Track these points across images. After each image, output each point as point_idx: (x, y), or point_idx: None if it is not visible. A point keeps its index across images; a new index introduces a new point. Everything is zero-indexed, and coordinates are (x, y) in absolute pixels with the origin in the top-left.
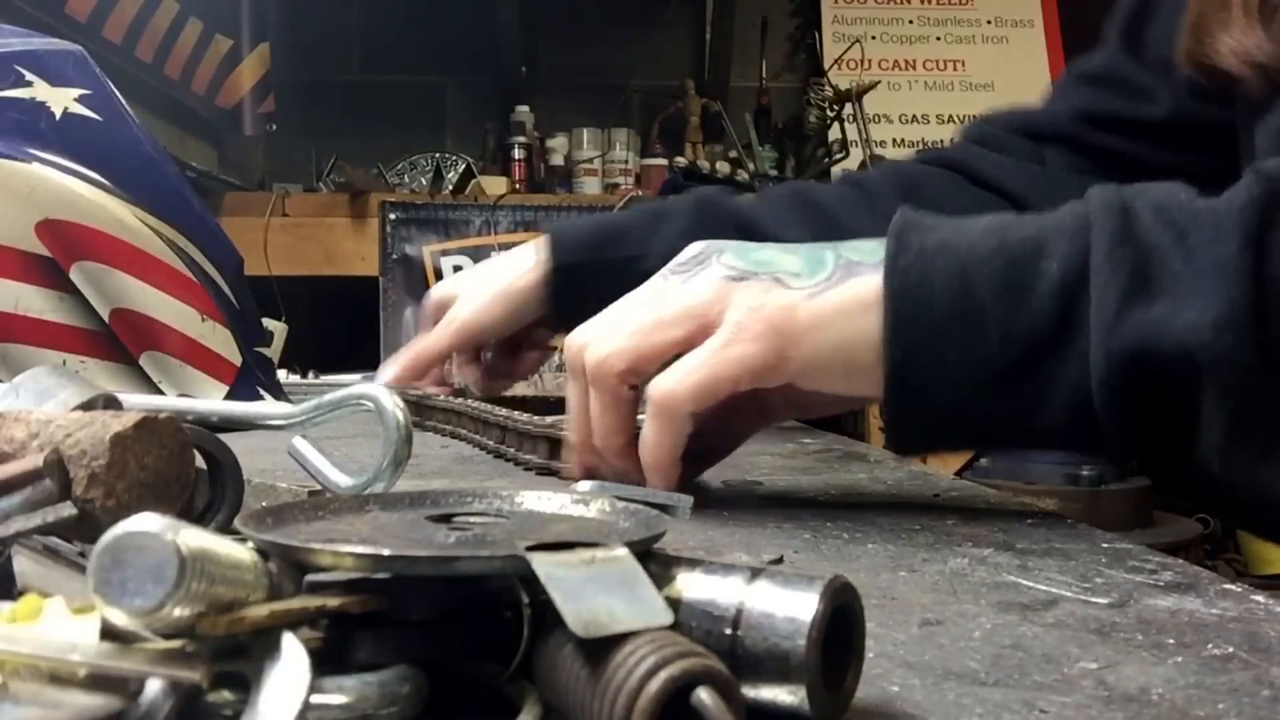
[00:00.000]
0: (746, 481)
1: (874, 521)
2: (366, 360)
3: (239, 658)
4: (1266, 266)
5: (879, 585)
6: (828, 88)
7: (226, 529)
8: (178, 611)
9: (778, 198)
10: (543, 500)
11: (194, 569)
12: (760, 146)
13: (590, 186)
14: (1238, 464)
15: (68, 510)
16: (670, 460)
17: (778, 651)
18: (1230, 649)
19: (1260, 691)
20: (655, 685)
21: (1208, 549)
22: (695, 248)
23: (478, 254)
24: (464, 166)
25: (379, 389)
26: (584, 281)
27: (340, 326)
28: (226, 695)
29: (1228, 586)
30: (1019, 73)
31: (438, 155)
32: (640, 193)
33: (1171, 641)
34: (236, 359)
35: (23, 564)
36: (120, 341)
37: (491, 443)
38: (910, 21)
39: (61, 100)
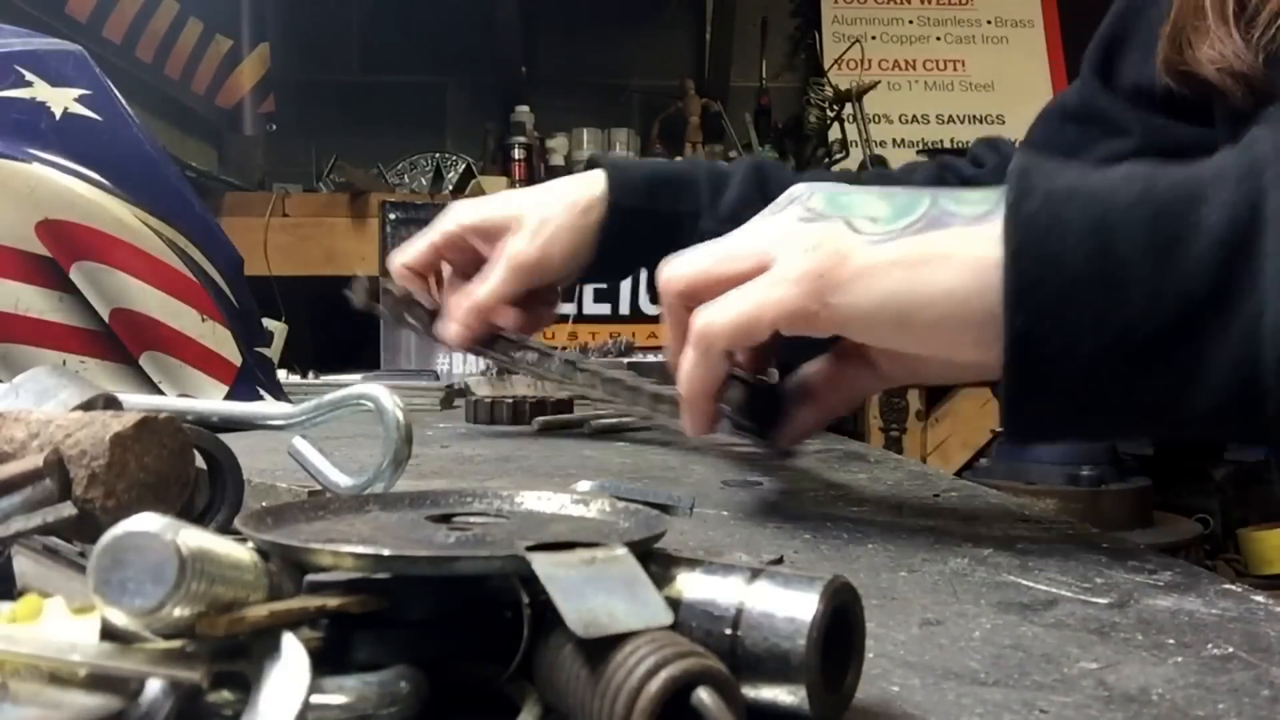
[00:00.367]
0: (746, 481)
1: (874, 521)
2: (366, 360)
3: (239, 658)
4: None
5: (879, 585)
6: (828, 88)
7: (226, 529)
8: (178, 611)
9: (831, 177)
10: (543, 500)
11: (194, 569)
12: (760, 146)
13: None
14: None
15: (68, 510)
16: (703, 394)
17: (778, 651)
18: (1230, 649)
19: (1260, 691)
20: (655, 685)
21: (1208, 549)
22: (797, 188)
23: None
24: (464, 166)
25: (379, 389)
26: (635, 231)
27: (340, 326)
28: (226, 695)
29: (1228, 586)
30: (1019, 73)
31: (438, 155)
32: None
33: (1171, 641)
34: (236, 359)
35: (23, 564)
36: (120, 341)
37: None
38: (910, 21)
39: (61, 100)
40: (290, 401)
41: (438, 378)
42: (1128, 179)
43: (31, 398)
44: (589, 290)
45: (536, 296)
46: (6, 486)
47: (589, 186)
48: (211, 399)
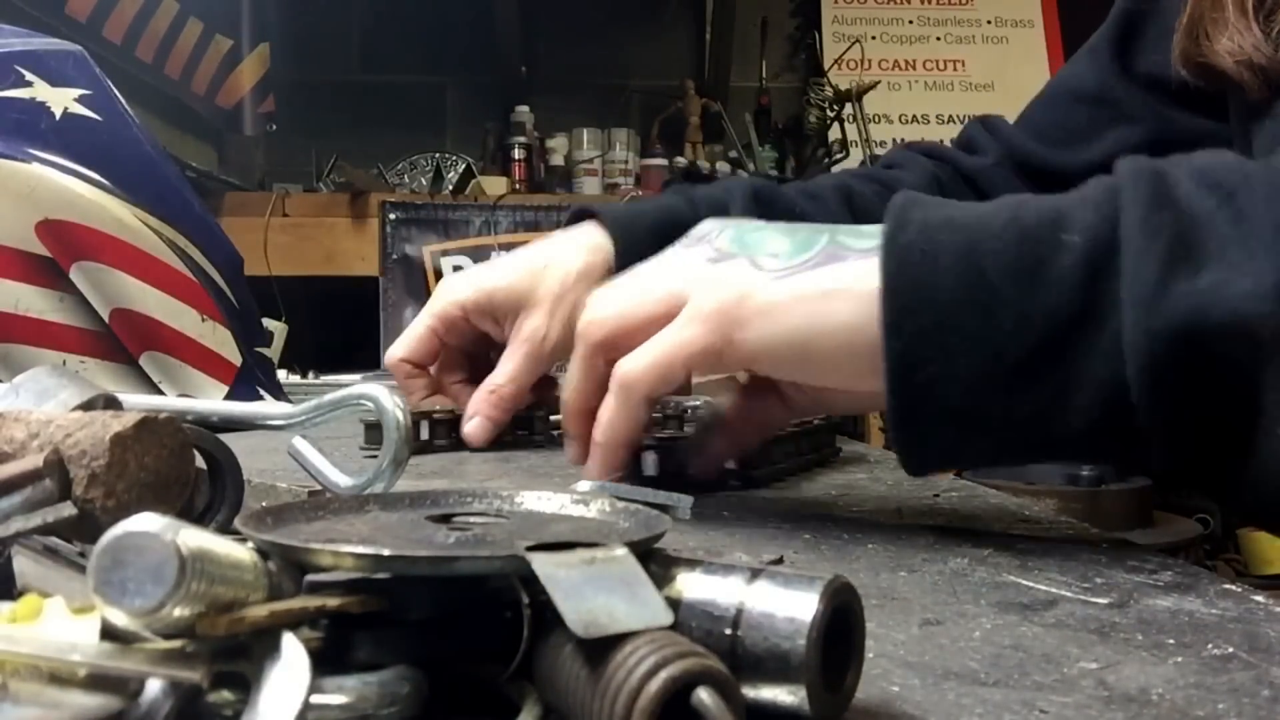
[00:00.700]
0: (746, 482)
1: (874, 521)
2: (366, 360)
3: (239, 658)
4: None
5: (879, 585)
6: (828, 88)
7: (226, 529)
8: (178, 611)
9: (827, 195)
10: (543, 500)
11: (194, 569)
12: (760, 146)
13: (590, 186)
14: None
15: (68, 510)
16: (622, 441)
17: (778, 651)
18: (1230, 649)
19: (1260, 691)
20: (655, 685)
21: (1208, 549)
22: (705, 225)
23: (478, 254)
24: (464, 166)
25: (379, 389)
26: None
27: (340, 326)
28: (226, 695)
29: (1228, 586)
30: (1019, 73)
31: (438, 155)
32: (640, 193)
33: (1171, 641)
34: (236, 359)
35: (23, 564)
36: (120, 341)
37: None
38: (910, 21)
39: (61, 100)
40: (290, 401)
41: None
42: (999, 206)
43: (31, 398)
44: None
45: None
46: (6, 486)
47: (595, 250)
48: (211, 399)
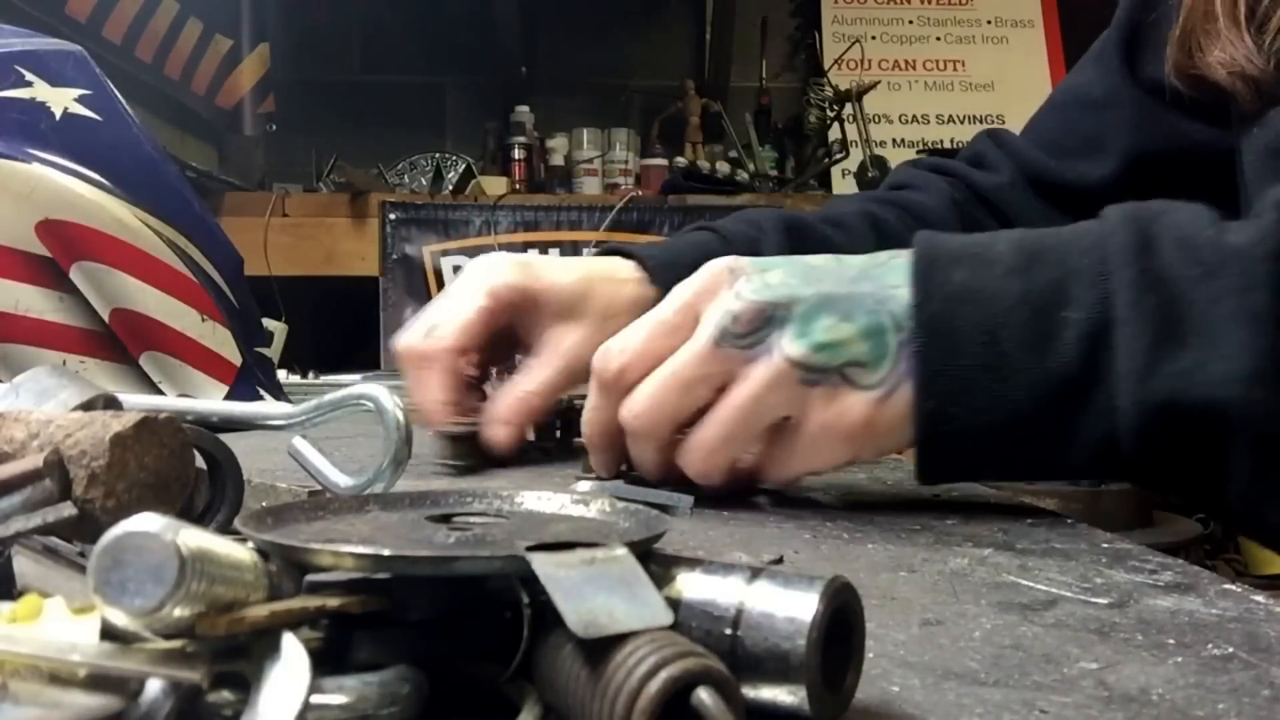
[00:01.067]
0: (757, 484)
1: (874, 521)
2: (366, 360)
3: (239, 658)
4: None
5: (879, 585)
6: (828, 88)
7: (226, 529)
8: (178, 611)
9: (854, 225)
10: (543, 500)
11: (194, 569)
12: (760, 146)
13: (590, 186)
14: (1262, 507)
15: (68, 510)
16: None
17: (778, 651)
18: (1230, 649)
19: (1260, 691)
20: (655, 685)
21: (1208, 549)
22: (746, 307)
23: (478, 254)
24: (464, 166)
25: (379, 389)
26: None
27: (340, 326)
28: (226, 695)
29: (1228, 586)
30: (1019, 73)
31: (438, 155)
32: (640, 193)
33: (1171, 641)
34: (236, 359)
35: (23, 564)
36: (120, 341)
37: None
38: (910, 21)
39: (61, 100)
40: (290, 401)
41: None
42: (1008, 274)
43: (31, 398)
44: None
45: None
46: (6, 486)
47: (643, 283)
48: (211, 399)
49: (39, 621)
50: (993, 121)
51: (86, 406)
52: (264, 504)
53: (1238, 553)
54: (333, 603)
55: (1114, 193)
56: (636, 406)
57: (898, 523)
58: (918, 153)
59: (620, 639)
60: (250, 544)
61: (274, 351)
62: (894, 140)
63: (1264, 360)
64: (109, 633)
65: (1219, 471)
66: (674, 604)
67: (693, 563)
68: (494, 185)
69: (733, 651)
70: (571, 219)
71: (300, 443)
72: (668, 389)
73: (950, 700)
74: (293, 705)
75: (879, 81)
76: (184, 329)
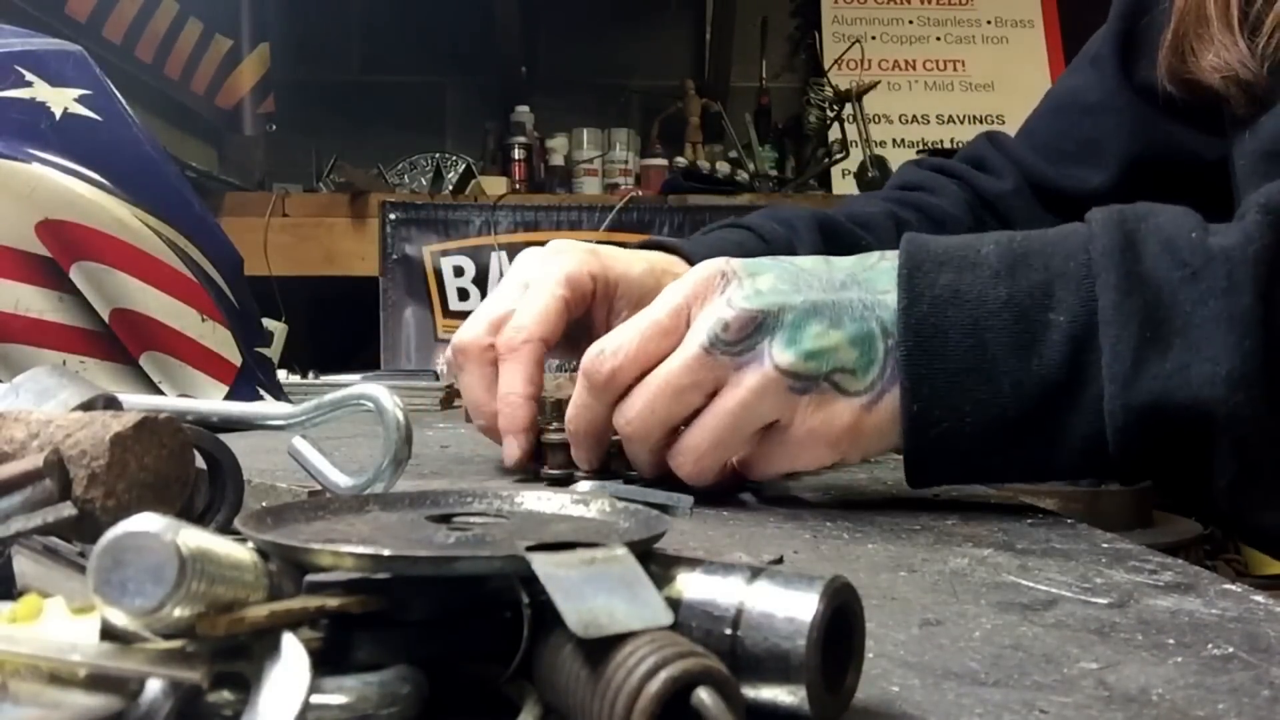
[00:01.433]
0: (746, 481)
1: (874, 521)
2: (366, 360)
3: (239, 658)
4: (1278, 318)
5: (879, 585)
6: (828, 88)
7: (226, 529)
8: (178, 611)
9: (880, 226)
10: (543, 500)
11: (194, 569)
12: (760, 146)
13: (590, 186)
14: (1246, 506)
15: (68, 510)
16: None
17: (778, 651)
18: (1230, 649)
19: (1260, 691)
20: (655, 685)
21: (1208, 549)
22: (737, 316)
23: (478, 254)
24: (464, 167)
25: (379, 389)
26: None
27: (340, 326)
28: (226, 695)
29: (1228, 586)
30: (1019, 73)
31: (438, 155)
32: (640, 193)
33: (1171, 641)
34: (236, 359)
35: (23, 564)
36: (120, 341)
37: None
38: (910, 21)
39: (61, 100)
40: (290, 401)
41: (438, 378)
42: (994, 278)
43: (31, 398)
44: None
45: None
46: (6, 486)
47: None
48: (211, 399)
49: (39, 621)
50: (992, 121)
51: (86, 406)
52: (264, 504)
53: (1238, 553)
54: (333, 603)
55: (1111, 200)
56: (630, 413)
57: (898, 523)
58: (918, 153)
59: (620, 639)
60: (250, 544)
61: (274, 351)
62: (894, 140)
63: (1248, 362)
64: (109, 633)
65: (1204, 472)
66: (674, 604)
67: (693, 563)
68: (494, 185)
69: (733, 651)
70: (571, 219)
71: (300, 443)
72: (660, 396)
73: (950, 700)
74: (293, 705)
75: (879, 81)
76: (184, 329)
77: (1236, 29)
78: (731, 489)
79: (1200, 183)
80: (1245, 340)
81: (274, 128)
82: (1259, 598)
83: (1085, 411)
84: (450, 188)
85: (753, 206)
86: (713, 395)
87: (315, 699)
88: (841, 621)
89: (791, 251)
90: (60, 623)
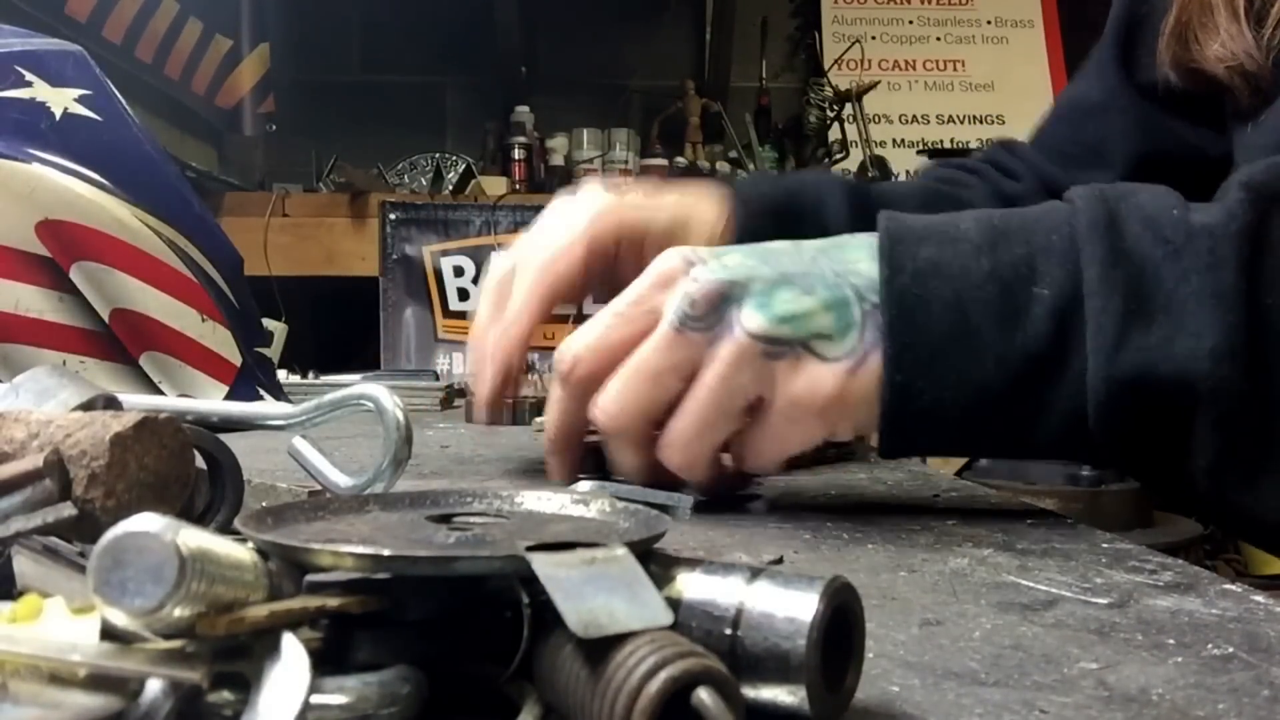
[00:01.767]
0: (746, 481)
1: (874, 521)
2: (366, 360)
3: (239, 658)
4: (1261, 295)
5: (879, 585)
6: (828, 88)
7: (226, 529)
8: (178, 611)
9: (914, 196)
10: (543, 500)
11: (194, 569)
12: (760, 146)
13: None
14: (1226, 485)
15: (68, 510)
16: (645, 470)
17: (778, 651)
18: (1230, 649)
19: (1260, 691)
20: (655, 685)
21: (1208, 549)
22: (702, 289)
23: (478, 254)
24: (464, 167)
25: (379, 389)
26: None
27: (340, 326)
28: (226, 695)
29: (1228, 586)
30: (1019, 73)
31: (438, 155)
32: None
33: (1171, 641)
34: (236, 359)
35: (23, 564)
36: (120, 341)
37: None
38: (910, 21)
39: (61, 100)
40: (290, 401)
41: (437, 378)
42: (977, 251)
43: (31, 398)
44: None
45: None
46: (6, 486)
47: (724, 212)
48: (211, 399)
49: (39, 621)
50: (992, 121)
51: (86, 406)
52: (264, 504)
53: (1238, 553)
54: (333, 603)
55: None
56: (607, 404)
57: (898, 523)
58: (918, 153)
59: (620, 639)
60: (250, 544)
61: (274, 351)
62: (894, 140)
63: (1231, 337)
64: (109, 633)
65: (1184, 447)
66: (674, 604)
67: (693, 563)
68: (494, 185)
69: (733, 651)
70: None
71: (300, 443)
72: (636, 382)
73: (950, 700)
74: (293, 705)
75: (879, 81)
76: (184, 329)
77: (1242, 18)
78: (731, 489)
79: (1207, 179)
80: (1228, 316)
81: (274, 128)
82: (1259, 598)
83: (1067, 384)
84: (450, 188)
85: None
86: (691, 380)
87: (315, 699)
88: (841, 621)
89: (819, 206)
90: (60, 623)
